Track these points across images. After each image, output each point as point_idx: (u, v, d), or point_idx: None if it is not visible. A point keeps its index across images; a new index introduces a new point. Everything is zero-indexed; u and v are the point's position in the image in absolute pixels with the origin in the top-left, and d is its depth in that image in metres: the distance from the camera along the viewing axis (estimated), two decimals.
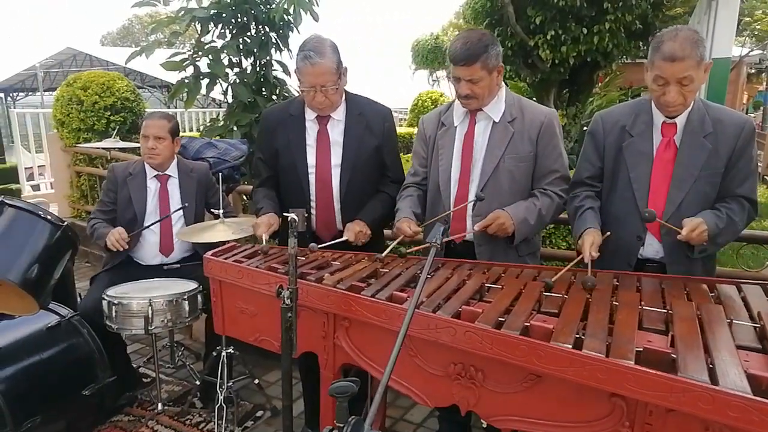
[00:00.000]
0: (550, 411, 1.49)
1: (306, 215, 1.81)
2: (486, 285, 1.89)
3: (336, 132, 2.50)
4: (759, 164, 14.03)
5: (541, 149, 2.28)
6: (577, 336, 1.46)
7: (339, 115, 2.50)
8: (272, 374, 3.43)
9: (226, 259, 2.22)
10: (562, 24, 6.32)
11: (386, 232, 2.75)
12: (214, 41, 4.61)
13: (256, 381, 3.09)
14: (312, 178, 2.49)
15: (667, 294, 1.79)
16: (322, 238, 2.51)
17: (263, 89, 4.78)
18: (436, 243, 1.60)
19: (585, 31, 6.26)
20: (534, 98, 7.40)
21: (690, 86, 1.95)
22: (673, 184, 2.07)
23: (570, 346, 1.39)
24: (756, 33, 19.09)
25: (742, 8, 17.36)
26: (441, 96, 15.25)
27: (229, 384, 2.80)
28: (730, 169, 2.06)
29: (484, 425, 1.73)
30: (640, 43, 7.04)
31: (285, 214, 1.76)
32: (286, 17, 4.53)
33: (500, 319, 1.57)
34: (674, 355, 1.35)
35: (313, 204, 2.50)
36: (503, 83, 2.36)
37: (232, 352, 2.85)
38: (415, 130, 13.34)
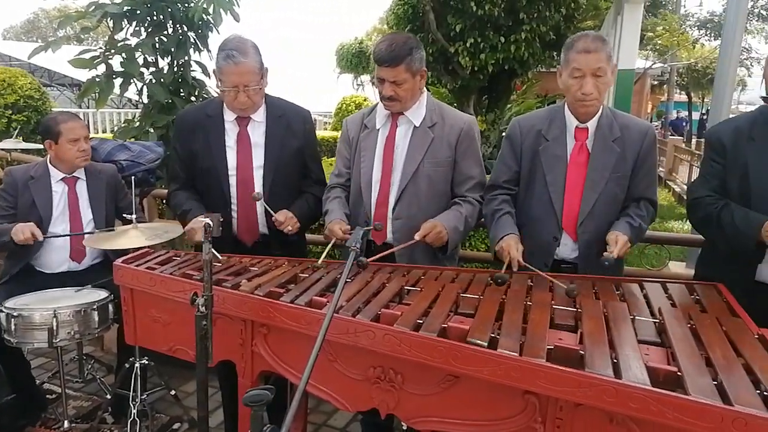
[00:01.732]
0: (467, 410, 1.51)
1: (221, 220, 1.75)
2: (406, 288, 1.90)
3: (257, 133, 2.45)
4: (660, 170, 14.99)
5: (460, 155, 2.33)
6: (492, 336, 1.49)
7: (259, 116, 2.46)
8: (190, 384, 3.31)
9: (138, 266, 2.12)
10: (481, 32, 6.52)
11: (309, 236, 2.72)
12: (128, 39, 4.41)
13: (173, 392, 2.97)
14: (233, 181, 2.43)
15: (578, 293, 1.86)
16: (243, 243, 2.46)
17: (181, 90, 4.62)
18: (356, 247, 1.60)
19: (503, 39, 6.49)
20: (455, 104, 7.58)
21: (602, 79, 2.07)
22: (587, 186, 2.17)
23: (485, 346, 1.42)
24: (657, 47, 20.39)
25: (645, 24, 18.54)
26: (365, 100, 15.33)
27: (143, 397, 2.68)
28: (636, 172, 2.19)
29: (405, 428, 1.73)
30: (554, 52, 7.36)
31: (199, 218, 1.70)
32: (205, 17, 4.40)
33: (419, 321, 1.59)
34: (582, 352, 1.41)
35: (234, 207, 2.44)
36: (425, 89, 2.40)
37: (147, 362, 2.73)
38: (338, 134, 13.33)
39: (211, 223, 1.67)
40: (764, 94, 1.92)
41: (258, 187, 2.44)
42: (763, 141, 2.00)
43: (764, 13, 19.92)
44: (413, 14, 6.97)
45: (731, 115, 3.08)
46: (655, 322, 1.63)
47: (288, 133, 2.48)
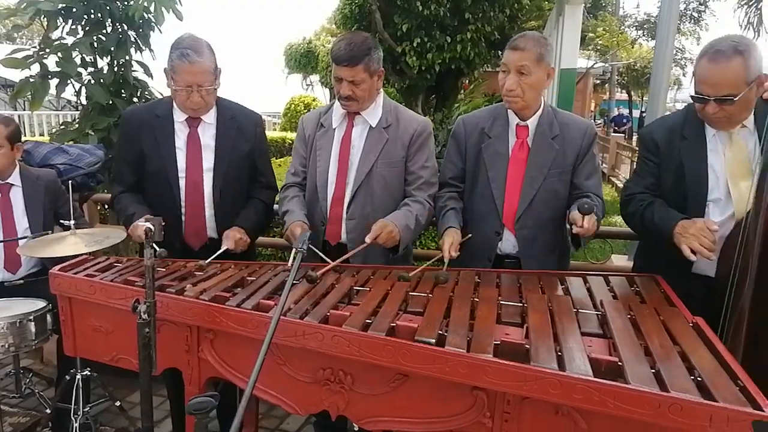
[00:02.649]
0: (417, 408, 1.52)
1: (163, 224, 1.70)
2: (355, 288, 1.90)
3: (207, 135, 2.41)
4: (604, 166, 15.42)
5: (411, 156, 2.34)
6: (441, 333, 1.50)
7: (210, 118, 2.41)
8: (136, 395, 3.20)
9: (76, 273, 2.04)
10: (427, 32, 6.59)
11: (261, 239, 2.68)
12: (64, 38, 4.24)
13: (118, 403, 2.87)
14: (182, 183, 2.37)
15: (523, 288, 1.90)
16: (191, 246, 2.40)
17: (122, 91, 4.47)
18: (302, 249, 1.58)
19: (449, 39, 6.57)
20: (403, 104, 7.61)
21: (526, 78, 2.11)
22: (525, 182, 2.22)
23: (433, 344, 1.43)
24: (599, 47, 21.05)
25: (586, 25, 19.11)
26: (314, 100, 15.25)
27: (86, 409, 2.58)
28: (580, 170, 2.25)
29: (356, 429, 1.73)
30: (499, 52, 7.50)
31: (140, 223, 1.65)
32: (146, 15, 4.28)
33: (368, 321, 1.59)
34: (528, 346, 1.43)
35: (182, 210, 2.38)
36: (381, 89, 2.40)
37: (89, 374, 2.63)
38: (288, 135, 13.21)
39: (152, 227, 1.62)
40: (693, 93, 1.99)
41: (207, 190, 2.39)
42: (695, 139, 2.07)
43: (696, 15, 20.81)
44: (360, 14, 6.98)
45: (667, 113, 3.20)
46: (597, 315, 1.67)
47: (238, 135, 2.44)
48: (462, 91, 9.85)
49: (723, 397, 1.19)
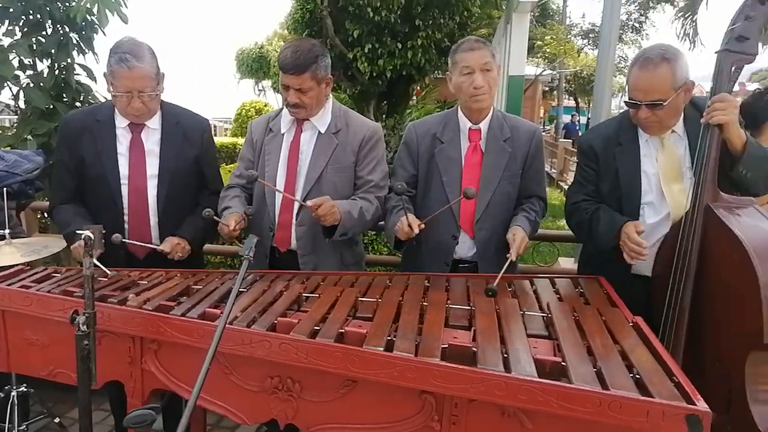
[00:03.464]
0: (366, 414, 1.51)
1: (104, 232, 1.65)
2: (304, 294, 1.88)
3: (151, 141, 2.34)
4: (553, 171, 15.79)
5: (361, 160, 2.34)
6: (389, 338, 1.50)
7: (154, 123, 2.35)
8: (77, 411, 3.09)
9: (10, 284, 1.95)
10: (378, 38, 6.61)
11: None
12: (0, 39, 4.07)
13: (57, 420, 2.76)
14: (125, 190, 2.30)
15: (471, 292, 1.92)
16: (136, 255, 2.33)
17: (64, 95, 4.32)
18: (249, 256, 1.56)
19: (400, 45, 6.60)
20: (355, 109, 7.62)
21: (491, 74, 2.18)
22: (481, 185, 2.25)
23: (381, 349, 1.43)
24: (547, 55, 21.60)
25: (534, 33, 19.59)
26: (266, 106, 15.10)
27: (22, 428, 2.47)
28: (527, 171, 2.30)
29: None
30: (450, 59, 7.60)
31: (78, 231, 1.59)
32: (89, 17, 4.15)
33: (316, 328, 1.58)
34: (475, 349, 1.45)
35: (125, 218, 2.31)
36: (330, 95, 2.39)
37: (26, 390, 2.52)
38: (239, 140, 13.03)
39: (91, 236, 1.56)
40: (627, 99, 2.07)
41: (152, 197, 2.33)
42: (629, 144, 2.15)
43: (637, 25, 21.64)
44: (311, 19, 6.95)
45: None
46: (543, 316, 1.71)
47: (184, 141, 2.39)
48: (414, 98, 9.93)
49: (659, 393, 1.23)
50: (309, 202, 2.10)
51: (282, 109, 2.39)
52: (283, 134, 2.34)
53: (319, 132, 2.30)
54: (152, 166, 2.33)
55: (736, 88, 2.04)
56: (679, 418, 1.18)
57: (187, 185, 2.41)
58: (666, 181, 2.07)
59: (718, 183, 1.92)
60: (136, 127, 2.32)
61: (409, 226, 1.99)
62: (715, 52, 1.94)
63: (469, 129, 2.29)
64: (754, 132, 2.72)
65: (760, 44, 1.94)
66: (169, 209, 2.34)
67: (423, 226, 2.02)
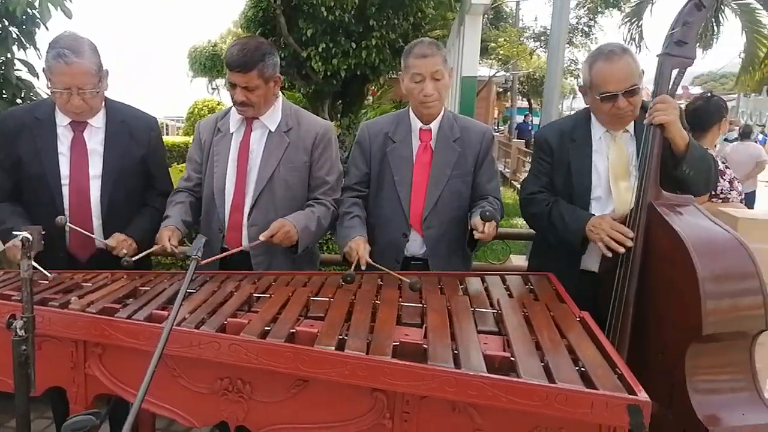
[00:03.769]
0: (318, 413, 1.50)
1: (43, 233, 1.59)
2: (255, 295, 1.86)
3: (95, 140, 2.26)
4: (507, 171, 16.05)
5: (315, 159, 2.32)
6: (341, 337, 1.50)
7: (98, 122, 2.27)
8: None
9: None
10: (332, 37, 6.58)
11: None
12: None
13: None
14: (65, 191, 2.21)
15: (424, 289, 1.93)
16: (77, 258, 2.25)
17: (3, 91, 4.14)
18: (197, 256, 1.52)
19: (354, 45, 6.60)
20: (309, 109, 7.57)
21: (441, 81, 2.21)
22: (430, 183, 2.28)
23: (333, 348, 1.43)
24: (500, 57, 21.93)
25: (488, 35, 19.87)
26: (219, 104, 14.87)
27: None
28: (478, 171, 2.33)
29: None
30: (402, 60, 7.64)
31: (16, 231, 1.52)
32: (30, 11, 3.99)
33: (266, 328, 1.56)
34: (426, 346, 1.46)
35: (66, 220, 2.23)
36: (280, 93, 2.37)
37: None
38: (190, 139, 12.77)
39: (30, 237, 1.50)
40: (599, 95, 2.08)
41: (95, 198, 2.25)
42: (582, 141, 2.22)
43: (586, 29, 22.22)
44: (264, 17, 6.86)
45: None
46: (493, 313, 1.73)
47: (131, 140, 2.32)
48: (370, 98, 9.94)
49: (603, 385, 1.27)
50: (262, 236, 2.09)
51: (230, 108, 2.35)
52: (232, 134, 2.30)
53: (270, 131, 2.28)
54: (95, 166, 2.25)
55: (680, 91, 2.13)
56: (621, 408, 1.21)
57: (133, 186, 2.35)
58: (614, 178, 2.14)
59: (662, 182, 1.99)
60: (78, 126, 2.24)
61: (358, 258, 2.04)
62: (657, 56, 2.01)
63: (420, 129, 2.31)
64: (700, 134, 2.84)
65: (700, 49, 2.02)
66: (114, 211, 2.26)
67: (368, 264, 2.04)
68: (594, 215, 2.09)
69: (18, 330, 1.47)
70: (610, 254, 1.98)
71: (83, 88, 2.10)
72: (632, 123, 2.17)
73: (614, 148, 2.17)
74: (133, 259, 2.05)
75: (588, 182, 2.18)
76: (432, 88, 2.19)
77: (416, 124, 2.32)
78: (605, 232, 1.98)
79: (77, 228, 2.09)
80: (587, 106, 2.26)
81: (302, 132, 2.31)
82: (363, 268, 2.03)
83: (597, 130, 2.21)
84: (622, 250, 1.96)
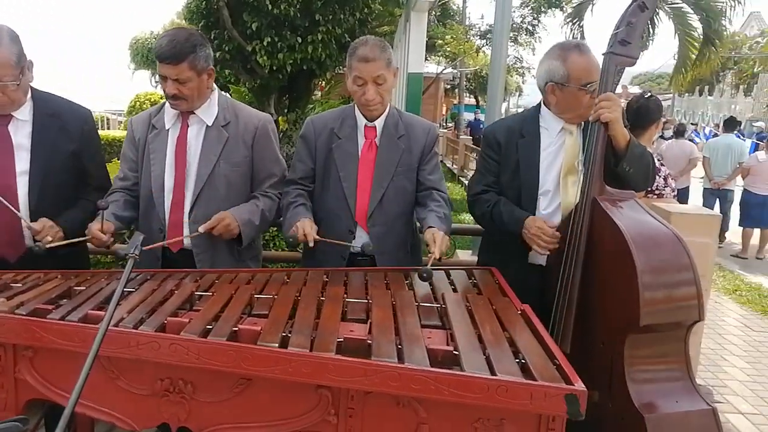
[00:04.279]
0: (262, 412, 1.49)
1: None
2: (197, 293, 1.82)
3: (21, 134, 2.16)
4: (454, 167, 16.26)
5: (257, 153, 2.29)
6: (285, 334, 1.49)
7: (24, 115, 2.16)
8: None
9: None
10: (277, 31, 6.49)
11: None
12: None
13: None
14: None
15: (369, 285, 1.94)
16: (5, 258, 2.14)
17: None
18: (134, 254, 1.48)
19: (299, 40, 6.52)
20: (255, 103, 7.45)
21: (384, 85, 2.20)
22: (375, 180, 2.28)
23: (276, 346, 1.41)
24: (447, 54, 22.18)
25: (435, 32, 20.04)
26: (161, 98, 14.43)
27: None
28: (423, 167, 2.35)
29: None
30: (347, 58, 7.62)
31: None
32: None
33: (208, 327, 1.53)
34: (370, 341, 1.46)
35: None
36: (215, 87, 2.31)
37: None
38: None
39: None
40: (579, 87, 2.11)
41: (22, 195, 2.14)
42: (532, 137, 2.26)
43: (530, 28, 22.75)
44: (207, 9, 6.68)
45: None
46: (437, 307, 1.75)
47: (61, 134, 2.21)
48: (317, 93, 9.87)
49: (541, 375, 1.31)
50: (201, 228, 2.08)
51: (164, 103, 2.28)
52: (168, 130, 2.24)
53: (207, 125, 2.23)
54: (22, 162, 2.15)
55: (619, 89, 2.19)
56: (559, 398, 1.25)
57: (65, 182, 2.24)
58: (564, 173, 2.19)
59: (604, 178, 2.05)
60: (1, 119, 2.13)
61: (305, 235, 2.05)
62: (602, 54, 2.06)
63: (365, 126, 2.31)
64: (639, 132, 2.94)
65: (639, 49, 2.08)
66: (43, 208, 2.16)
67: (316, 240, 2.07)
68: (529, 216, 2.14)
69: None
70: (541, 253, 2.09)
71: (2, 80, 2.00)
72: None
73: (570, 143, 2.21)
74: (52, 245, 1.96)
75: (536, 177, 2.22)
76: (373, 92, 2.18)
77: (361, 120, 2.31)
78: (535, 234, 2.08)
79: (4, 201, 2.00)
80: (539, 103, 2.30)
81: (241, 126, 2.27)
82: (311, 245, 2.04)
83: (553, 125, 2.24)
84: (546, 252, 2.07)
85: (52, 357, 1.60)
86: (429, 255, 2.01)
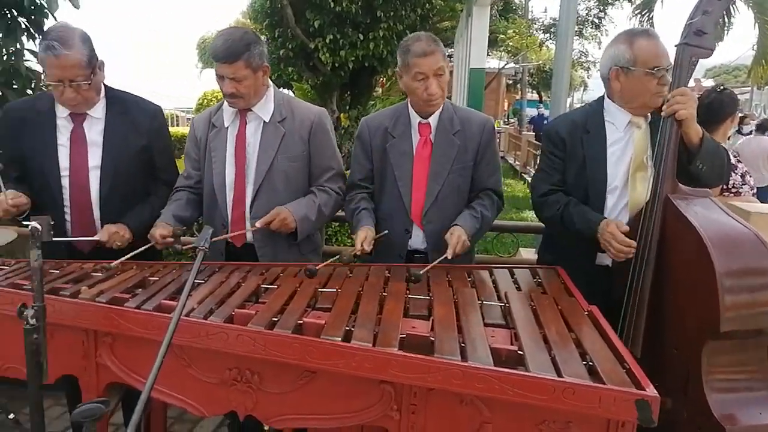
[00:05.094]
0: (326, 405, 1.51)
1: (52, 222, 1.59)
2: (263, 286, 1.86)
3: (94, 131, 2.26)
4: (516, 164, 15.98)
5: (315, 148, 2.31)
6: (348, 329, 1.50)
7: (98, 112, 2.27)
8: None
9: None
10: (339, 29, 6.56)
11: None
12: None
13: (12, 416, 2.67)
14: (66, 182, 2.22)
15: (431, 282, 1.93)
16: (79, 250, 2.26)
17: (14, 82, 4.17)
18: (204, 246, 1.53)
19: (361, 37, 6.56)
20: (317, 100, 7.56)
21: (443, 77, 2.19)
22: (430, 178, 2.26)
23: (339, 339, 1.43)
24: (510, 49, 21.81)
25: (497, 27, 19.73)
26: None
27: None
28: (479, 163, 2.31)
29: (266, 428, 1.70)
30: (400, 57, 7.61)
31: (25, 222, 1.54)
32: (38, 1, 4.01)
33: (274, 319, 1.57)
34: (432, 338, 1.46)
35: (67, 211, 2.24)
36: (271, 83, 2.35)
37: None
38: None
39: (39, 226, 1.51)
40: (647, 71, 2.02)
41: (94, 189, 2.25)
42: (597, 132, 2.16)
43: (596, 21, 22.04)
44: (272, 8, 6.83)
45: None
46: (501, 306, 1.73)
47: (132, 130, 2.31)
48: (378, 89, 9.91)
49: (610, 379, 1.27)
50: (258, 223, 2.12)
51: (223, 102, 2.33)
52: (227, 128, 2.29)
53: (264, 122, 2.27)
54: (95, 158, 2.25)
55: (691, 83, 2.09)
56: (630, 403, 1.21)
57: (134, 176, 2.34)
58: (633, 170, 2.09)
59: (678, 175, 1.95)
60: (77, 117, 2.24)
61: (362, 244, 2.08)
62: (675, 45, 1.97)
63: (419, 123, 2.29)
64: (712, 127, 2.79)
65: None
66: (114, 202, 2.26)
67: (370, 248, 2.11)
68: (604, 219, 2.05)
69: (29, 319, 1.48)
70: (619, 259, 1.97)
71: (74, 80, 2.09)
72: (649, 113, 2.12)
73: (639, 138, 2.11)
74: (116, 262, 2.01)
75: (603, 174, 2.13)
76: (436, 86, 2.16)
77: (415, 118, 2.29)
78: (608, 242, 1.98)
79: (60, 239, 2.11)
80: (602, 96, 2.22)
81: (297, 121, 2.29)
82: (358, 253, 2.07)
83: (620, 119, 2.14)
84: (623, 258, 1.95)
85: (128, 343, 1.69)
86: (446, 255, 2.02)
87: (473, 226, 2.18)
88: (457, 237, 2.07)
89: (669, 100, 1.91)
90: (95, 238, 2.15)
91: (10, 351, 1.81)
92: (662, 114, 1.94)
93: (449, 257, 2.02)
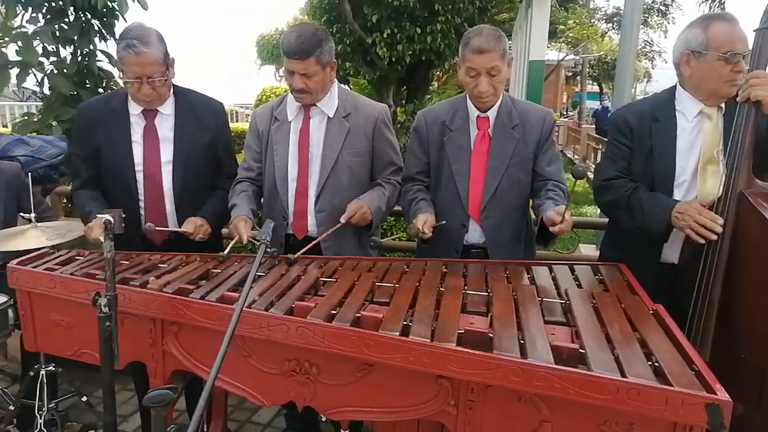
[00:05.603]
0: (382, 398, 1.52)
1: (124, 216, 1.67)
2: (321, 279, 1.89)
3: (165, 127, 2.35)
4: (576, 158, 15.56)
5: (378, 144, 2.34)
6: (405, 323, 1.51)
7: (167, 109, 2.36)
8: None
9: (36, 267, 1.99)
10: (397, 23, 6.56)
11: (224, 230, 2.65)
12: (24, 26, 4.13)
13: (84, 398, 2.82)
14: (140, 177, 2.32)
15: (489, 278, 1.91)
16: (152, 241, 2.36)
17: (87, 81, 4.38)
18: (266, 240, 1.57)
19: (419, 30, 6.54)
20: (374, 95, 7.58)
21: (498, 77, 2.12)
22: (488, 173, 2.23)
23: (397, 334, 1.44)
24: (570, 40, 21.25)
25: (557, 18, 19.25)
26: (286, 91, 15.07)
27: (51, 405, 2.53)
28: (540, 157, 2.26)
29: (323, 419, 1.73)
30: (460, 48, 7.53)
31: (99, 215, 1.61)
32: (110, 3, 4.20)
33: (332, 312, 1.58)
34: (491, 335, 1.44)
35: (141, 205, 2.34)
36: (335, 79, 2.38)
37: (54, 369, 2.57)
38: None
39: (111, 219, 1.58)
40: (720, 55, 1.92)
41: (167, 183, 2.35)
42: (667, 121, 2.07)
43: (663, 9, 21.18)
44: (330, 4, 6.91)
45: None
46: (561, 303, 1.69)
47: (198, 126, 2.39)
48: (434, 83, 9.86)
49: (678, 381, 1.22)
50: (343, 219, 2.16)
51: (286, 96, 2.37)
52: (290, 122, 2.33)
53: (328, 117, 2.29)
54: (166, 153, 2.34)
55: None
56: (699, 407, 1.16)
57: (203, 170, 2.42)
58: (703, 162, 1.99)
59: (754, 170, 1.85)
60: (149, 114, 2.33)
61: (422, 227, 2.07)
62: (754, 30, 1.87)
63: (478, 117, 2.25)
64: None
65: None
66: (185, 195, 2.35)
67: (432, 230, 2.09)
68: (679, 201, 1.95)
69: (102, 307, 1.56)
70: (702, 241, 1.84)
71: (152, 77, 2.18)
72: (723, 103, 2.01)
73: (710, 129, 2.00)
74: (227, 251, 2.11)
75: (672, 165, 2.03)
76: (486, 84, 2.11)
77: (473, 111, 2.25)
78: (693, 218, 1.85)
79: (162, 228, 2.25)
80: (674, 85, 2.12)
81: (361, 117, 2.32)
82: (428, 234, 2.07)
83: (690, 108, 2.05)
84: (713, 237, 1.82)
85: (193, 333, 1.75)
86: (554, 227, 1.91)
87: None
88: (562, 209, 1.92)
89: (745, 83, 1.81)
90: (183, 229, 2.24)
91: (84, 337, 1.91)
92: (738, 99, 1.84)
93: (557, 229, 1.92)
